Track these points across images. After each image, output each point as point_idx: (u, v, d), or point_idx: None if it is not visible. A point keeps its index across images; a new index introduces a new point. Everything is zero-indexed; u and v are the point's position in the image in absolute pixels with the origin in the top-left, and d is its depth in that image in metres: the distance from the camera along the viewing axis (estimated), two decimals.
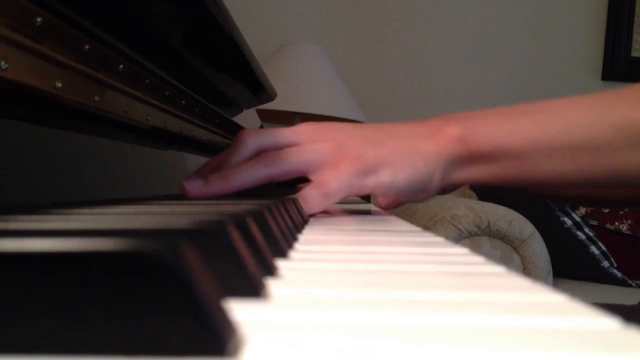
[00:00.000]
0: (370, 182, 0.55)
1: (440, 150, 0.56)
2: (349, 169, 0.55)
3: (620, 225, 1.99)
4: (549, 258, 1.65)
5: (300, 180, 0.65)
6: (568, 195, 0.66)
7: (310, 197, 0.55)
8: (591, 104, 0.56)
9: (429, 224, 1.61)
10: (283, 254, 0.29)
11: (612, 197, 0.67)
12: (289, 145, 0.57)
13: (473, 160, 0.57)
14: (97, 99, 0.45)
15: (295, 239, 0.38)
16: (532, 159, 0.56)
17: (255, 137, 0.58)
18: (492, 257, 1.58)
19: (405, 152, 0.56)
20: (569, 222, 1.89)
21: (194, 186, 0.56)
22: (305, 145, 0.57)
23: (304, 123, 0.60)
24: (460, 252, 0.33)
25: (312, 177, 0.57)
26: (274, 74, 1.72)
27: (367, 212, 0.70)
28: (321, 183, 0.55)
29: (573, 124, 0.55)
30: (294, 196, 0.54)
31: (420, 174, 0.56)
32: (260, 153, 0.58)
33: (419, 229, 0.50)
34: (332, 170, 0.55)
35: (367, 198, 1.51)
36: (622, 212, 1.99)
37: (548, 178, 0.56)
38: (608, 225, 2.00)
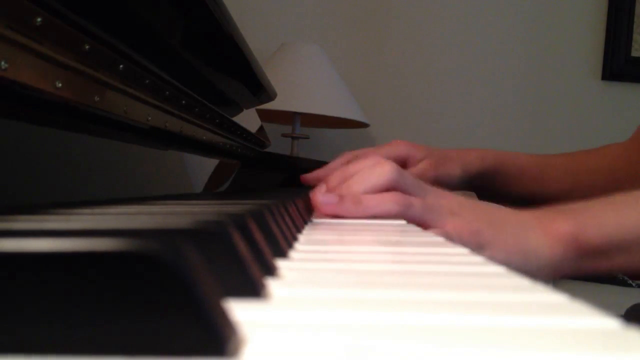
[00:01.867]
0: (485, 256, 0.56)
1: (552, 249, 0.57)
2: (469, 238, 0.55)
3: None
4: None
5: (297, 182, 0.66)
6: None
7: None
8: None
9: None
10: (283, 254, 0.29)
11: None
12: (418, 195, 0.58)
13: (582, 256, 0.58)
14: (97, 99, 0.45)
15: (295, 239, 0.38)
16: (631, 249, 0.58)
17: (399, 175, 0.58)
18: None
19: (520, 240, 0.57)
20: None
21: (326, 202, 0.56)
22: (434, 200, 0.58)
23: (443, 194, 0.61)
24: (460, 252, 0.33)
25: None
26: (274, 74, 1.72)
27: None
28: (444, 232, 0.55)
29: None
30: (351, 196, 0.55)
31: (531, 268, 0.56)
32: (392, 188, 0.58)
33: (418, 228, 0.50)
34: (455, 225, 0.56)
35: None
36: None
37: None
38: None
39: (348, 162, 0.84)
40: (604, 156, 0.94)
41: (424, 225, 0.55)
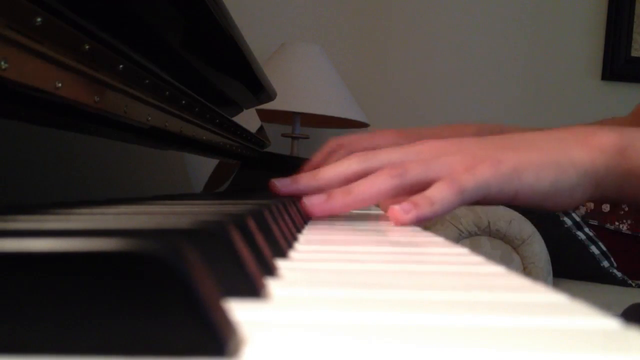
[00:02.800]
0: (513, 186, 0.49)
1: (595, 159, 0.49)
2: (489, 171, 0.48)
3: (620, 225, 1.99)
4: (549, 258, 1.65)
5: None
6: None
7: (439, 196, 0.48)
8: None
9: (429, 224, 1.61)
10: (283, 254, 0.29)
11: None
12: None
13: (628, 173, 0.50)
14: (97, 99, 0.45)
15: (295, 239, 0.38)
16: None
17: (378, 155, 0.53)
18: (492, 257, 1.58)
19: (551, 155, 0.49)
20: (569, 222, 1.88)
21: (315, 203, 0.52)
22: (432, 158, 0.51)
23: (426, 141, 0.55)
24: (460, 252, 0.33)
25: None
26: (274, 74, 1.72)
27: (367, 212, 0.70)
28: (454, 180, 0.48)
29: None
30: (419, 195, 0.49)
31: (569, 180, 0.49)
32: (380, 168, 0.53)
33: (418, 228, 0.50)
34: (468, 172, 0.49)
35: None
36: (622, 212, 1.99)
37: None
38: (608, 225, 2.00)
39: (332, 151, 0.83)
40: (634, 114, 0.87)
41: (432, 183, 0.49)
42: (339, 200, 0.52)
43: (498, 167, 0.48)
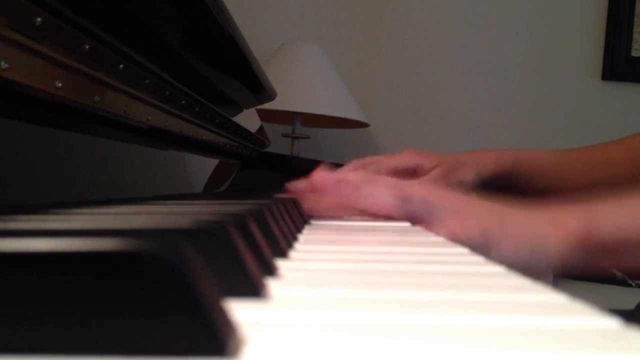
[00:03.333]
0: (486, 251, 0.54)
1: (560, 245, 0.56)
2: (476, 238, 0.54)
3: None
4: None
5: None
6: None
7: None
8: None
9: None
10: (283, 254, 0.29)
11: None
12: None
13: (591, 254, 0.58)
14: (97, 99, 0.45)
15: (295, 239, 0.38)
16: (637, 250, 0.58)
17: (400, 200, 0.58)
18: None
19: (528, 238, 0.57)
20: None
21: (326, 180, 0.56)
22: (435, 197, 0.57)
23: (434, 190, 0.60)
24: (460, 252, 0.33)
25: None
26: (274, 74, 1.72)
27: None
28: (446, 225, 0.54)
29: None
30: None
31: (538, 264, 0.57)
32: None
33: (418, 228, 0.50)
34: (460, 223, 0.55)
35: None
36: None
37: None
38: None
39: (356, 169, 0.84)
40: (626, 148, 0.91)
41: (424, 222, 0.54)
42: (344, 190, 0.55)
43: (482, 236, 0.55)
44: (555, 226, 0.57)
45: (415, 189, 0.57)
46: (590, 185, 0.86)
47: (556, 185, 0.87)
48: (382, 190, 0.55)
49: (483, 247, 0.54)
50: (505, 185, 0.82)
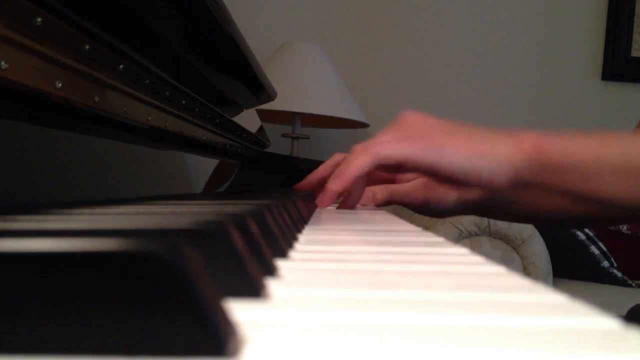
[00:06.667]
0: (431, 157, 0.60)
1: (513, 153, 0.60)
2: (415, 143, 0.60)
3: (620, 225, 1.99)
4: (549, 258, 1.65)
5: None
6: (610, 217, 0.65)
7: (351, 165, 0.62)
8: None
9: (429, 224, 1.61)
10: (283, 254, 0.29)
11: None
12: None
13: (543, 167, 0.60)
14: (97, 99, 0.45)
15: (295, 239, 0.38)
16: (597, 176, 0.59)
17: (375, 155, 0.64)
18: (492, 257, 1.58)
19: (478, 145, 0.60)
20: None
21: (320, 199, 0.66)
22: (398, 140, 0.63)
23: (403, 124, 0.66)
24: (460, 252, 0.33)
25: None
26: (274, 74, 1.72)
27: (371, 212, 0.70)
28: (368, 149, 0.62)
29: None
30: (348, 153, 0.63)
31: (489, 165, 0.60)
32: None
33: (419, 229, 0.50)
34: (395, 142, 0.61)
35: None
36: None
37: (605, 199, 0.60)
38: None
39: (337, 164, 0.84)
40: None
41: (402, 162, 0.61)
42: (330, 187, 0.64)
43: (425, 142, 0.61)
44: (511, 138, 0.61)
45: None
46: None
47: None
48: (352, 158, 0.62)
49: (424, 154, 0.60)
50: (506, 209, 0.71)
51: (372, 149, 0.61)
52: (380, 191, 0.73)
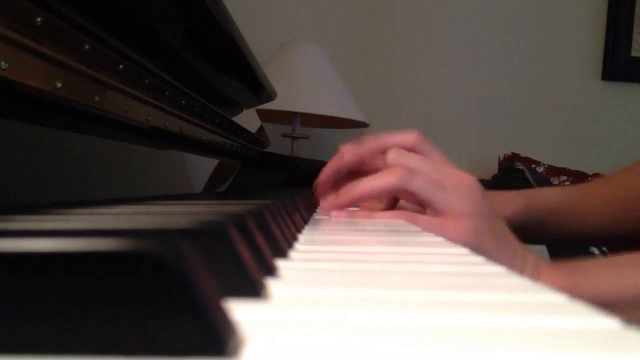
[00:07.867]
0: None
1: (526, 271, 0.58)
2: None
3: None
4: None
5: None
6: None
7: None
8: None
9: None
10: (283, 254, 0.29)
11: None
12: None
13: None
14: (97, 99, 0.45)
15: (295, 239, 0.38)
16: (624, 309, 0.57)
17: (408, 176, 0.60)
18: None
19: (504, 255, 0.58)
20: None
21: (327, 203, 0.61)
22: (439, 185, 0.58)
23: (446, 167, 0.62)
24: (460, 252, 0.33)
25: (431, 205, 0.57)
26: (274, 74, 1.72)
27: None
28: (404, 167, 0.56)
29: None
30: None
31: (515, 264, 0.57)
32: None
33: (419, 229, 0.50)
34: (433, 185, 0.56)
35: None
36: None
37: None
38: None
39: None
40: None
41: (425, 203, 0.56)
42: (341, 200, 0.58)
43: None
44: (541, 277, 0.58)
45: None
46: (610, 220, 0.83)
47: (575, 224, 0.83)
48: (382, 173, 0.57)
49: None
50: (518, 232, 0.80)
51: (406, 174, 0.56)
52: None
